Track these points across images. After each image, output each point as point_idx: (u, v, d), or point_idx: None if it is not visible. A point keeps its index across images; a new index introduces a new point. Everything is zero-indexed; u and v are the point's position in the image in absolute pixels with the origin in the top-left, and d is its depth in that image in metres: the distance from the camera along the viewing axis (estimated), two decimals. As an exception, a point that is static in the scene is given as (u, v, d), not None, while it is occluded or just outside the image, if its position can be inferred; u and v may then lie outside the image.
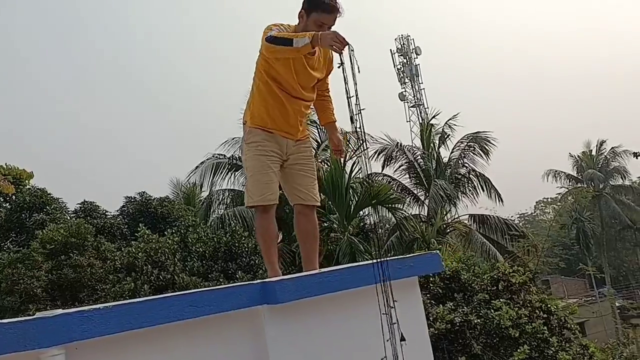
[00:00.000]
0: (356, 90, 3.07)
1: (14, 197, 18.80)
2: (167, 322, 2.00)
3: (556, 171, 45.58)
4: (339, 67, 2.81)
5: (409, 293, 2.32)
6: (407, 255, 2.34)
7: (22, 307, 10.77)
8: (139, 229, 13.75)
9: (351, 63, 2.88)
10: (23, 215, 17.90)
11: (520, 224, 49.29)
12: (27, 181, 19.55)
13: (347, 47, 2.96)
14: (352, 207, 12.31)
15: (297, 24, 3.44)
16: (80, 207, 18.23)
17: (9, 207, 19.02)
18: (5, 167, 18.88)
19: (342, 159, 12.13)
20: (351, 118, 2.88)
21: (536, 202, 57.87)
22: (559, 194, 48.85)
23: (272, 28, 3.29)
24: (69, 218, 16.22)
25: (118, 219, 19.72)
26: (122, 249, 12.96)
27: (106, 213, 18.59)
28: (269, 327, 2.09)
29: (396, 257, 2.36)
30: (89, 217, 17.12)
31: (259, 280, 2.13)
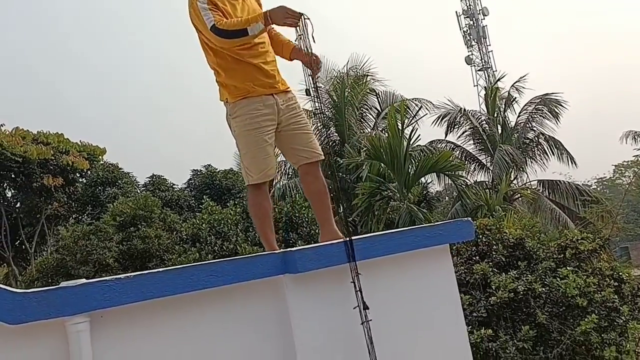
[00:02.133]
0: (314, 58, 3.02)
1: (89, 172, 19.76)
2: (189, 290, 2.00)
3: (636, 132, 42.92)
4: (296, 40, 2.82)
5: (439, 262, 2.21)
6: (436, 223, 2.23)
7: (97, 276, 11.37)
8: (203, 201, 14.14)
9: (305, 32, 2.83)
10: (97, 189, 18.83)
11: (599, 189, 47.05)
12: (100, 157, 20.44)
13: (300, 17, 2.88)
14: (411, 175, 12.07)
15: None
16: (150, 181, 18.94)
17: (84, 182, 20.03)
18: (80, 144, 19.81)
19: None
20: (307, 91, 2.85)
21: (615, 166, 54.92)
22: (636, 156, 46.10)
23: (204, 11, 3.08)
24: (138, 192, 16.88)
25: (185, 192, 20.41)
26: (188, 221, 13.38)
27: (173, 186, 19.22)
28: (291, 296, 2.05)
29: (424, 225, 2.26)
30: (157, 190, 17.79)
31: (280, 250, 2.09)
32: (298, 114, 3.39)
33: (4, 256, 18.12)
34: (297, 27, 2.83)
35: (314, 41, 2.88)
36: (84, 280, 1.97)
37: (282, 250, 2.08)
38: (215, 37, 3.02)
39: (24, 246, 19.12)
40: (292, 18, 2.87)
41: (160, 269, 2.00)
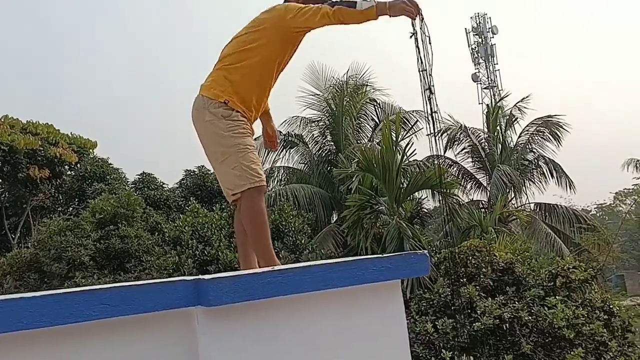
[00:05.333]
0: (430, 62, 2.89)
1: (78, 165, 19.41)
2: (74, 322, 1.62)
3: (638, 160, 42.67)
4: (410, 37, 2.67)
5: (387, 299, 1.85)
6: (384, 255, 1.88)
7: (70, 274, 11.00)
8: (190, 202, 13.76)
9: (422, 33, 2.70)
10: (85, 184, 18.46)
11: (598, 215, 46.72)
12: (91, 150, 20.13)
13: (419, 11, 2.77)
14: (403, 190, 11.72)
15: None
16: (139, 179, 18.58)
17: (72, 175, 19.68)
18: (70, 136, 19.49)
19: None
20: (429, 89, 2.67)
21: (615, 193, 54.55)
22: (636, 185, 45.81)
23: (301, 6, 3.01)
24: (126, 189, 16.51)
25: (176, 192, 20.04)
26: (171, 222, 13.01)
27: (163, 185, 18.84)
28: (202, 333, 1.68)
29: (372, 257, 1.90)
30: (145, 189, 17.42)
31: (192, 277, 1.73)
32: None
33: (-15, 246, 17.82)
34: (414, 23, 2.70)
35: (430, 42, 2.77)
36: None
37: (194, 277, 1.72)
38: (329, 9, 2.89)
39: (7, 237, 18.79)
40: (413, 10, 2.76)
41: (38, 294, 1.62)
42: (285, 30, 3.04)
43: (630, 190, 49.10)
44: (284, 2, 3.20)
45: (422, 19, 2.75)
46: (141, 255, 11.59)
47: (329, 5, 2.93)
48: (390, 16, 2.85)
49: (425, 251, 1.97)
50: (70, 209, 18.75)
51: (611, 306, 7.34)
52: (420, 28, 2.79)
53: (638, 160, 44.65)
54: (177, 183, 20.99)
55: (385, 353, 1.81)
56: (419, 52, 2.86)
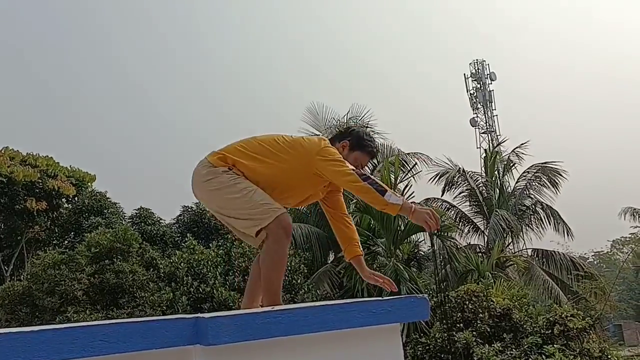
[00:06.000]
0: (445, 274, 2.92)
1: (75, 198, 19.37)
2: (72, 358, 1.61)
3: (634, 209, 42.74)
4: (428, 250, 2.64)
5: (385, 343, 1.83)
6: (384, 298, 1.87)
7: (62, 308, 10.84)
8: (186, 239, 13.68)
9: (435, 246, 2.69)
10: (82, 217, 18.40)
11: (596, 262, 46.47)
12: (89, 184, 20.10)
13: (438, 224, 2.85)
14: (401, 232, 11.69)
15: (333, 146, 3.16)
16: (137, 213, 18.52)
17: (70, 208, 19.62)
18: (69, 169, 19.50)
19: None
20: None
21: (612, 241, 54.43)
22: (633, 234, 45.71)
23: (341, 160, 3.01)
24: (123, 223, 16.45)
25: (173, 228, 19.94)
26: (167, 258, 12.91)
27: (160, 220, 18.77)
28: (201, 372, 1.67)
29: (371, 299, 1.89)
30: (142, 224, 17.34)
31: (191, 315, 1.71)
32: None
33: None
34: (431, 235, 2.81)
35: (443, 255, 2.79)
36: None
37: (193, 316, 1.71)
38: (360, 183, 2.88)
39: (0, 269, 18.60)
40: (433, 224, 2.82)
41: (35, 328, 1.61)
42: (308, 165, 3.03)
43: (627, 239, 49.01)
44: (329, 140, 3.23)
45: (439, 233, 2.82)
46: (135, 290, 11.46)
47: (362, 177, 2.90)
48: (409, 218, 2.91)
49: (425, 295, 1.96)
50: (66, 242, 18.62)
51: (609, 356, 7.26)
52: (434, 241, 2.88)
53: (635, 209, 44.77)
54: (174, 219, 20.93)
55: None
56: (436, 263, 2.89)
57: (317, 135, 17.99)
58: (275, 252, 2.83)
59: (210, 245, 12.97)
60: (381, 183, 2.93)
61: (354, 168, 2.99)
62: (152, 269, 12.29)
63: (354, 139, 3.27)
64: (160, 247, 16.37)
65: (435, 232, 2.64)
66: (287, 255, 3.00)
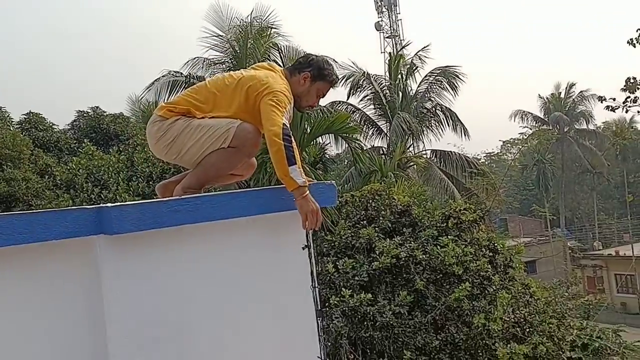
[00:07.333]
0: (317, 276, 2.80)
1: (-47, 103, 17.67)
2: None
3: (524, 112, 45.68)
4: (303, 249, 2.58)
5: (290, 227, 1.87)
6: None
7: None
8: (84, 144, 13.01)
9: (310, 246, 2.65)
10: (-37, 123, 16.89)
11: (487, 163, 49.87)
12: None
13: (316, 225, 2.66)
14: (307, 135, 11.77)
15: (291, 77, 3.15)
16: (25, 118, 17.25)
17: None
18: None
19: None
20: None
21: (503, 142, 58.27)
22: (522, 134, 49.17)
23: (282, 109, 2.83)
24: (11, 129, 15.28)
25: (68, 134, 18.87)
26: (63, 165, 12.27)
27: (52, 126, 17.65)
28: (104, 262, 1.62)
29: (277, 187, 1.90)
30: (33, 130, 16.22)
31: (94, 206, 1.64)
32: None
33: None
34: (308, 234, 2.61)
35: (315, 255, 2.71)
36: None
37: (96, 206, 1.64)
38: (278, 132, 2.69)
39: None
40: (313, 223, 2.59)
41: None
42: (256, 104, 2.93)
43: (517, 140, 52.75)
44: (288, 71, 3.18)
45: (313, 232, 2.69)
46: (30, 199, 10.90)
47: (285, 137, 2.73)
48: (295, 200, 2.66)
49: (333, 182, 2.00)
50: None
51: (495, 245, 7.90)
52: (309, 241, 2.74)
53: (524, 112, 47.75)
54: (68, 124, 19.78)
55: (288, 281, 1.84)
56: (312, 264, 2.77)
57: (221, 36, 17.25)
58: (231, 153, 2.78)
59: (111, 151, 12.42)
60: (297, 155, 2.80)
61: (287, 125, 2.86)
62: (47, 177, 11.66)
63: (315, 69, 3.21)
64: (55, 154, 15.52)
65: (311, 229, 2.66)
66: (236, 168, 2.96)
